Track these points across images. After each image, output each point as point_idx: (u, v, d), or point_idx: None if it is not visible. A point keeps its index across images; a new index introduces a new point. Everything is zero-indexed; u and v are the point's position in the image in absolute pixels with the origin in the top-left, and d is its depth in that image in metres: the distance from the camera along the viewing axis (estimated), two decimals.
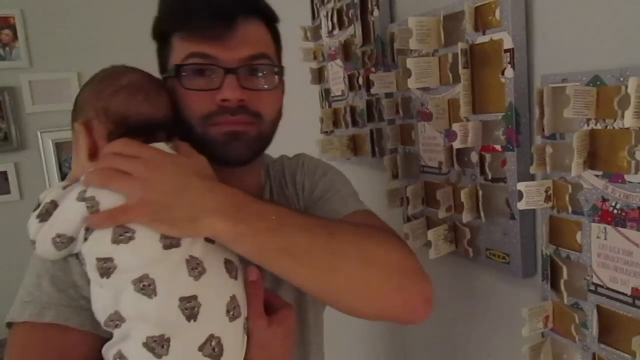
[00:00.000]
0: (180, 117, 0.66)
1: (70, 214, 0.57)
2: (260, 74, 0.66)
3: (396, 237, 0.64)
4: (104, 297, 0.56)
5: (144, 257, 0.57)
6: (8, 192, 1.98)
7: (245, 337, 0.61)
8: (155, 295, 0.56)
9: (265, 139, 0.70)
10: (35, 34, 2.00)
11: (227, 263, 0.59)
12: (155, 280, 0.56)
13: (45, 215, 0.57)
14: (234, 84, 0.63)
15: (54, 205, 0.57)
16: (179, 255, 0.57)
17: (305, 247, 0.58)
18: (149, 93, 0.65)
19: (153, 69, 0.66)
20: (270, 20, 0.69)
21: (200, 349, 0.57)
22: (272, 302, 0.62)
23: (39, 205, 0.58)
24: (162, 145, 0.61)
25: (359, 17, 1.04)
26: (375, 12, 1.00)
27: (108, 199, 0.56)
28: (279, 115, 0.71)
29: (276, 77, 0.68)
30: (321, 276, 0.59)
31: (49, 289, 0.57)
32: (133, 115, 0.64)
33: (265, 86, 0.67)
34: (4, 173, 1.97)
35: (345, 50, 1.10)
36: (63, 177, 2.06)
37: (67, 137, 1.87)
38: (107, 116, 0.62)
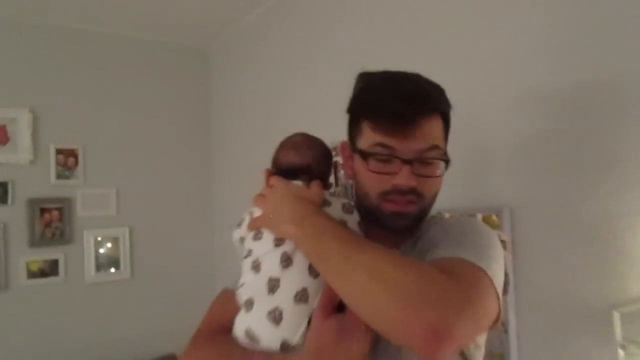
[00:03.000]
0: (359, 187, 0.84)
1: (244, 222, 0.86)
2: (430, 163, 0.80)
3: (443, 277, 0.63)
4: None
5: (262, 250, 0.80)
6: (57, 274, 2.58)
7: (306, 321, 0.74)
8: (257, 272, 0.79)
9: (424, 213, 0.83)
10: (90, 161, 2.69)
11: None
12: (261, 263, 0.79)
13: (240, 224, 0.87)
14: (407, 173, 0.77)
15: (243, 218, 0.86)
16: (279, 251, 0.78)
17: (331, 253, 0.68)
18: (299, 150, 0.89)
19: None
20: (446, 114, 0.82)
21: (269, 313, 0.75)
22: (349, 311, 0.69)
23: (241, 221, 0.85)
24: (298, 182, 0.84)
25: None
26: (341, 171, 1.96)
27: (256, 212, 0.83)
28: (437, 193, 0.83)
29: (443, 164, 0.81)
30: (336, 280, 0.68)
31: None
32: (284, 163, 0.89)
33: (435, 174, 0.80)
34: (57, 260, 2.59)
35: None
36: (98, 266, 2.71)
37: (106, 234, 2.60)
38: (274, 163, 0.91)
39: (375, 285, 0.63)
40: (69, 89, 2.70)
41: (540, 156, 1.32)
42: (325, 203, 0.82)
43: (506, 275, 1.35)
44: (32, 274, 2.53)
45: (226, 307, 0.83)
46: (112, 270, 2.75)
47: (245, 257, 0.82)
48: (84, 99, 2.74)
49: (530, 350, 1.33)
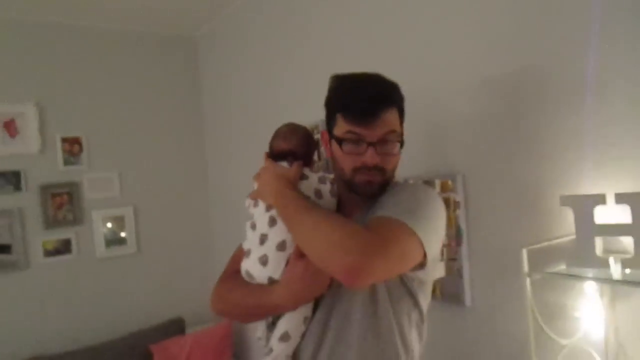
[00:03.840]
0: (337, 164, 1.08)
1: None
2: (389, 144, 1.03)
3: (363, 231, 0.89)
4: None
5: (258, 214, 1.09)
6: (70, 252, 2.84)
7: (284, 263, 1.03)
8: (254, 230, 1.09)
9: (386, 183, 1.07)
10: (93, 148, 2.91)
11: None
12: (256, 223, 1.09)
13: (249, 195, 1.15)
14: (372, 153, 1.02)
15: None
16: (268, 214, 1.06)
17: (292, 216, 0.99)
18: (286, 138, 1.15)
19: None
20: (400, 106, 1.06)
21: (259, 259, 1.05)
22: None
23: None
24: (283, 163, 1.10)
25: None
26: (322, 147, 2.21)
27: (255, 186, 1.13)
28: (396, 166, 1.09)
29: (398, 144, 1.05)
30: (294, 234, 0.99)
31: None
32: (275, 148, 1.16)
33: (393, 152, 1.05)
34: (69, 239, 2.85)
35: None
36: (107, 242, 2.98)
37: (112, 214, 2.84)
38: (269, 148, 1.18)
39: (314, 238, 0.92)
40: (71, 82, 2.91)
41: (486, 132, 1.55)
42: (303, 177, 1.09)
43: (459, 229, 1.64)
44: (48, 253, 2.78)
45: (240, 255, 1.13)
46: (120, 246, 3.01)
47: (249, 219, 1.12)
48: (84, 91, 2.94)
49: (480, 290, 1.61)
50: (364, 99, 1.02)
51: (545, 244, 1.20)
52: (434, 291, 1.68)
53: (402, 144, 1.07)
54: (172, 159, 3.24)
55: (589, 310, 1.22)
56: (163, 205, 3.17)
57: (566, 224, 1.29)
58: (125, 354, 2.62)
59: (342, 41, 2.15)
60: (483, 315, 1.61)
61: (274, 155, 1.15)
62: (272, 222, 1.05)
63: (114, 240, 2.99)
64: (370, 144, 1.02)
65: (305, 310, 1.05)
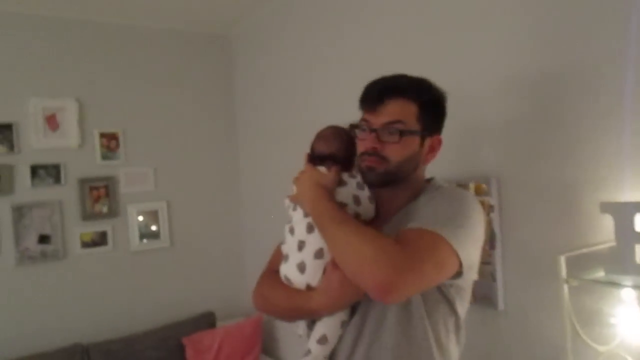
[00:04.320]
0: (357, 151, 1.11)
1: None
2: (391, 133, 1.04)
3: (394, 247, 0.89)
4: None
5: (296, 218, 1.09)
6: (106, 244, 2.92)
7: (322, 271, 1.03)
8: (292, 235, 1.09)
9: (391, 174, 1.06)
10: (129, 143, 2.99)
11: None
12: (295, 228, 1.09)
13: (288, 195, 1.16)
14: (370, 138, 1.05)
15: None
16: (306, 220, 1.06)
17: (326, 227, 0.99)
18: (326, 141, 1.15)
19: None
20: (419, 100, 1.06)
21: (297, 265, 1.05)
22: None
23: None
24: (321, 168, 1.10)
25: None
26: None
27: (294, 190, 1.12)
28: (407, 161, 1.06)
29: (401, 135, 1.03)
30: (329, 245, 1.00)
31: None
32: (315, 151, 1.16)
33: (391, 140, 1.04)
34: (105, 232, 2.93)
35: None
36: (141, 236, 3.07)
37: (147, 208, 2.92)
38: (311, 150, 1.17)
39: (345, 253, 0.94)
40: (109, 79, 2.99)
41: (521, 134, 1.55)
42: (342, 183, 1.10)
43: (493, 233, 1.64)
44: (85, 244, 2.87)
45: (279, 256, 1.16)
46: (154, 239, 3.08)
47: (288, 222, 1.13)
48: (122, 88, 3.02)
49: (514, 295, 1.60)
50: (375, 88, 1.08)
51: (585, 250, 1.19)
52: None
53: (404, 134, 1.05)
54: (206, 155, 3.30)
55: (627, 318, 1.21)
56: (196, 200, 3.23)
57: (604, 230, 1.28)
58: (159, 345, 2.69)
59: (375, 42, 2.15)
60: (516, 319, 1.60)
61: (314, 157, 1.16)
62: (310, 228, 1.06)
63: (147, 234, 3.06)
64: (372, 130, 1.06)
65: (342, 315, 1.07)
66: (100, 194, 2.91)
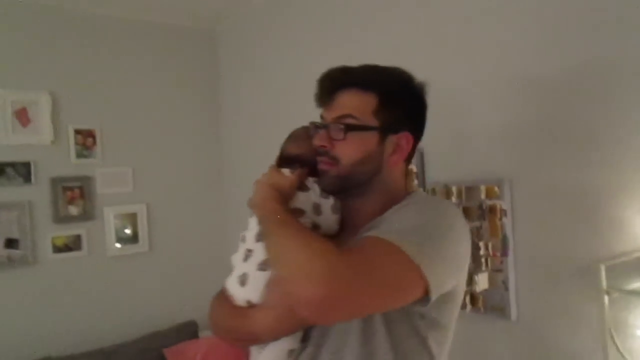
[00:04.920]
0: None
1: None
2: (340, 129, 0.89)
3: (335, 255, 0.74)
4: None
5: (250, 225, 0.97)
6: (80, 249, 2.72)
7: (264, 283, 0.88)
8: (244, 243, 0.97)
9: (344, 179, 0.91)
10: (107, 141, 2.81)
11: None
12: (246, 236, 0.97)
13: None
14: (317, 136, 0.93)
15: None
16: (256, 229, 0.94)
17: (268, 231, 0.85)
18: (296, 140, 1.02)
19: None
20: (379, 89, 0.90)
21: (239, 277, 0.93)
22: None
23: None
24: (285, 170, 0.96)
25: None
26: None
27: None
28: (361, 163, 0.90)
29: (346, 130, 0.89)
30: (266, 248, 0.86)
31: None
32: (282, 152, 1.04)
33: (336, 137, 0.90)
34: (79, 236, 2.72)
35: None
36: (118, 240, 2.87)
37: (125, 210, 2.74)
38: (280, 152, 1.05)
39: (279, 259, 0.80)
40: (86, 72, 2.80)
41: (535, 135, 1.49)
42: (304, 188, 0.96)
43: (506, 239, 1.55)
44: (57, 249, 2.67)
45: None
46: (132, 244, 2.91)
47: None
48: (100, 82, 2.84)
49: (528, 304, 1.53)
50: (327, 79, 0.95)
51: (624, 259, 1.11)
52: (475, 303, 1.64)
53: (357, 130, 0.90)
54: (188, 156, 3.14)
55: None
56: (177, 203, 3.07)
57: (629, 236, 1.21)
58: (137, 357, 2.52)
59: (366, 37, 2.07)
60: (530, 330, 1.52)
61: (283, 159, 1.03)
62: (259, 236, 0.92)
63: (125, 238, 2.89)
64: (323, 126, 0.94)
65: (289, 341, 0.91)
66: (74, 195, 2.72)
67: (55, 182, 2.67)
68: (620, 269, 1.10)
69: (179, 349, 2.58)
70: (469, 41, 1.67)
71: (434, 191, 1.76)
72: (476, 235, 1.64)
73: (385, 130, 0.91)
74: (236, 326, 0.92)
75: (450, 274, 0.84)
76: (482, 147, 1.65)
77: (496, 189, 1.59)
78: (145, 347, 2.60)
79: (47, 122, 2.65)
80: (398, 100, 0.93)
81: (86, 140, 2.77)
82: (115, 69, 2.90)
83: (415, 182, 1.80)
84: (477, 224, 1.64)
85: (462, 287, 0.92)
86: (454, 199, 1.70)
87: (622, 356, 1.06)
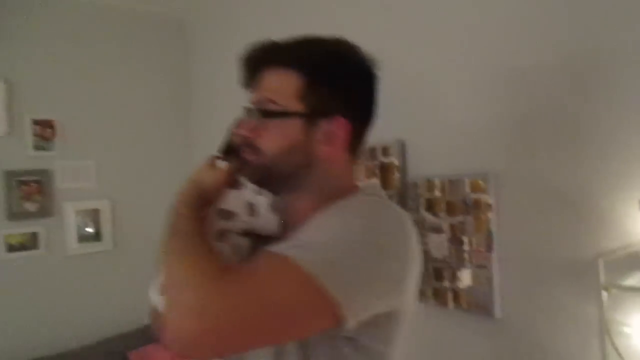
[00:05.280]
0: None
1: None
2: (258, 116, 0.78)
3: (214, 283, 0.62)
4: None
5: None
6: (38, 247, 2.54)
7: None
8: None
9: (267, 169, 0.79)
10: (68, 133, 2.63)
11: None
12: None
13: None
14: (242, 123, 0.80)
15: None
16: None
17: (166, 235, 0.76)
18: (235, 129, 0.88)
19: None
20: (300, 65, 0.77)
21: (159, 286, 0.86)
22: None
23: None
24: (219, 162, 0.86)
25: None
26: None
27: None
28: (286, 154, 0.77)
29: (262, 117, 0.77)
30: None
31: None
32: (227, 140, 0.88)
33: (258, 126, 0.78)
34: (36, 234, 2.53)
35: None
36: (80, 238, 2.70)
37: (87, 206, 2.58)
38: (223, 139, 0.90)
39: (166, 282, 0.69)
40: (45, 59, 2.62)
41: (522, 127, 1.44)
42: (237, 185, 0.85)
43: (490, 234, 1.49)
44: (11, 248, 2.48)
45: None
46: (94, 242, 2.75)
47: None
48: (61, 70, 2.66)
49: (513, 301, 1.48)
50: (250, 56, 0.83)
51: (618, 255, 1.06)
52: (458, 301, 1.58)
53: (276, 116, 0.78)
54: (155, 149, 2.99)
55: None
56: (143, 199, 2.91)
57: (620, 231, 1.18)
58: None
59: (344, 26, 1.97)
60: (515, 328, 1.47)
61: (226, 149, 0.88)
62: None
63: (87, 236, 2.72)
64: (248, 112, 0.82)
65: None
66: (31, 190, 2.54)
67: (9, 175, 2.49)
68: (614, 265, 1.05)
69: (145, 352, 2.46)
70: (455, 30, 1.61)
71: (416, 185, 1.69)
72: (460, 230, 1.58)
73: (311, 116, 0.78)
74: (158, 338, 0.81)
75: (377, 294, 0.70)
76: (467, 139, 1.59)
77: (481, 182, 1.54)
78: (109, 350, 2.47)
79: (1, 111, 2.46)
80: (328, 79, 0.78)
81: (45, 131, 2.60)
82: (77, 56, 2.73)
83: (397, 175, 1.74)
84: (460, 218, 1.58)
85: (407, 308, 0.76)
86: (437, 193, 1.64)
87: (619, 355, 1.01)
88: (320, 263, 0.64)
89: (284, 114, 0.77)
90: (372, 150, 1.82)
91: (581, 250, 1.28)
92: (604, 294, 0.96)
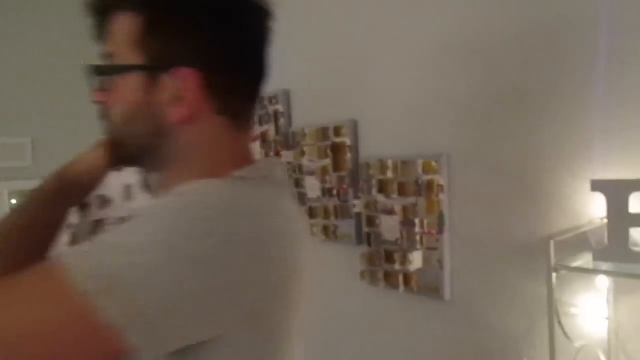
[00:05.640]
0: None
1: None
2: (93, 73, 0.64)
3: None
4: None
5: None
6: None
7: None
8: None
9: (120, 142, 0.67)
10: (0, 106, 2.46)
11: None
12: None
13: None
14: (92, 89, 0.65)
15: None
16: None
17: None
18: None
19: None
20: (140, 5, 0.61)
21: None
22: None
23: None
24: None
25: (272, 121, 2.00)
26: (281, 120, 1.98)
27: None
28: (129, 120, 0.63)
29: (96, 74, 0.64)
30: None
31: None
32: None
33: (103, 87, 0.64)
34: None
35: (262, 138, 2.05)
36: None
37: (22, 187, 2.41)
38: None
39: None
40: None
41: (475, 107, 1.41)
42: (117, 167, 0.76)
43: (442, 215, 1.47)
44: None
45: None
46: None
47: None
48: None
49: (463, 283, 1.47)
50: (89, 2, 0.68)
51: (571, 235, 1.06)
52: (408, 283, 1.56)
53: (113, 73, 0.64)
54: (98, 128, 2.80)
55: (594, 307, 1.12)
56: None
57: (569, 213, 1.18)
58: None
59: (289, 4, 1.90)
60: (464, 310, 1.47)
61: None
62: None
63: None
64: None
65: None
66: None
67: None
68: (564, 246, 1.04)
69: None
70: (404, 4, 1.56)
71: (368, 166, 1.65)
72: (412, 212, 1.56)
73: (151, 69, 0.60)
74: None
75: (186, 317, 0.50)
76: (419, 119, 1.56)
77: (434, 163, 1.51)
78: None
79: None
80: (172, 19, 0.60)
81: None
82: (9, 17, 2.51)
83: (349, 155, 1.70)
84: (412, 200, 1.56)
85: (270, 326, 0.57)
86: (389, 174, 1.60)
87: (565, 335, 1.01)
88: (103, 275, 0.47)
89: (115, 69, 0.62)
90: (325, 130, 1.76)
91: (532, 231, 1.27)
92: (554, 275, 0.95)
